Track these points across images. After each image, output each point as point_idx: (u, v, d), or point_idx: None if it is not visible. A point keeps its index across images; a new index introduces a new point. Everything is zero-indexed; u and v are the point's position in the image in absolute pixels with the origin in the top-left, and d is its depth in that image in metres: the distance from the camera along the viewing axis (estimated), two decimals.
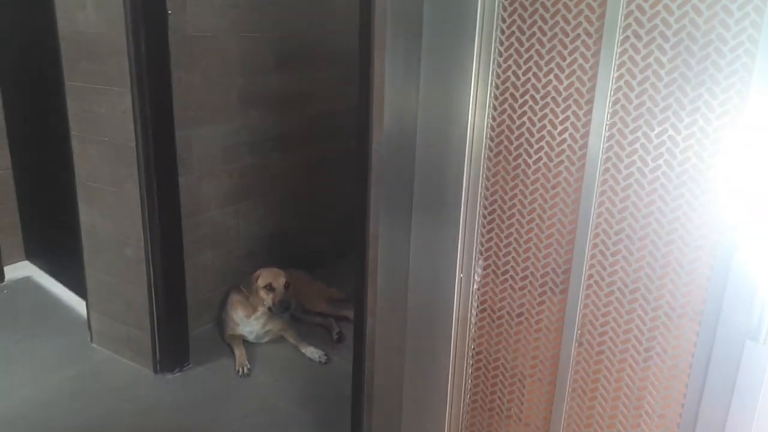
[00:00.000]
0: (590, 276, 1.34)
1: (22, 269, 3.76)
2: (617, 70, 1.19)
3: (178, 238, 2.76)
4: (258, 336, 3.10)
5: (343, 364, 3.00)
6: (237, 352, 2.97)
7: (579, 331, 1.38)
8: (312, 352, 3.05)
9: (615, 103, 1.21)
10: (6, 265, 3.68)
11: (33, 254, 3.79)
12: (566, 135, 1.28)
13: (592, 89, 1.23)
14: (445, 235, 1.50)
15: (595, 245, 1.30)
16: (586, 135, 1.25)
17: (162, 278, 2.71)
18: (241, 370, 2.89)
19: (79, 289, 3.24)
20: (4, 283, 3.64)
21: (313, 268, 3.76)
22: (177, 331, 2.86)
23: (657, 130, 1.17)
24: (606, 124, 1.22)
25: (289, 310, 3.01)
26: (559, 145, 1.30)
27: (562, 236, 1.35)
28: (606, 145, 1.23)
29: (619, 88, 1.20)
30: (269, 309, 3.01)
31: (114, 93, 2.50)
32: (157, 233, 2.63)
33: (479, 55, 1.35)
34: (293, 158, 3.60)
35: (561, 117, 1.28)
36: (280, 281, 2.99)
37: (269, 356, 3.06)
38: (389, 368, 1.78)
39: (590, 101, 1.24)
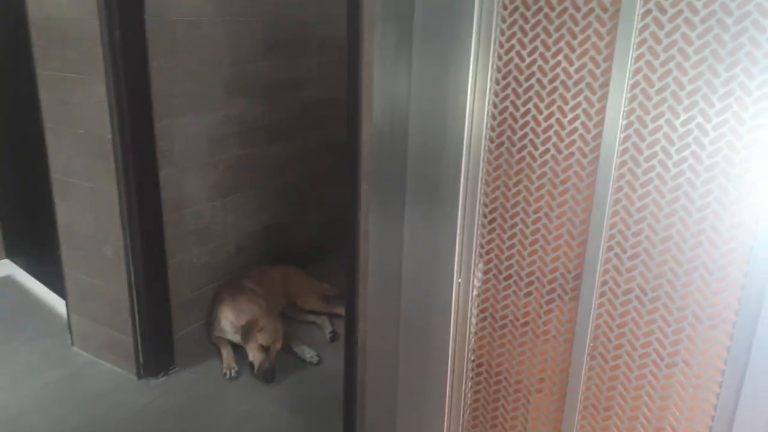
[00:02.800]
0: (604, 281, 1.19)
1: (1, 268, 3.61)
2: (637, 49, 1.04)
3: (160, 235, 2.61)
4: None
5: (336, 365, 2.85)
6: (224, 353, 2.83)
7: (592, 343, 1.24)
8: (304, 351, 2.91)
9: (634, 87, 1.06)
10: None
11: (13, 252, 3.64)
12: (577, 124, 1.13)
13: (607, 71, 1.08)
14: (441, 235, 1.35)
15: (611, 248, 1.16)
16: (600, 124, 1.10)
17: (143, 278, 2.56)
18: (228, 373, 2.75)
19: (60, 289, 3.10)
20: None
21: (306, 263, 3.62)
22: (161, 333, 2.71)
23: (683, 117, 1.02)
24: (623, 112, 1.07)
25: (272, 381, 2.70)
26: (569, 135, 1.15)
27: (573, 237, 1.21)
28: (623, 135, 1.08)
29: (638, 70, 1.05)
30: (250, 365, 2.76)
31: (88, 82, 2.34)
32: (137, 230, 2.47)
33: (478, 35, 1.20)
34: (284, 149, 3.45)
35: (571, 104, 1.13)
36: (277, 347, 2.76)
37: None
38: (382, 378, 1.64)
39: (605, 85, 1.09)
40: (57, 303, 3.23)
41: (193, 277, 3.07)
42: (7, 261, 3.64)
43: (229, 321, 2.87)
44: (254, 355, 2.74)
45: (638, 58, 1.04)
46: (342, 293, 3.41)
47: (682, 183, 1.05)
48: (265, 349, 2.73)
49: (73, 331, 2.90)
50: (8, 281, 3.53)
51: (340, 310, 3.23)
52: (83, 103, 2.40)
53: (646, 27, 1.02)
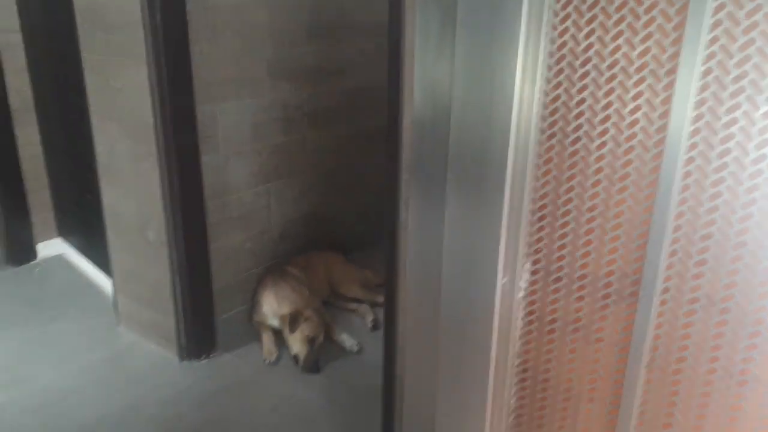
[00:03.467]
0: (667, 287, 1.09)
1: (54, 247, 3.70)
2: (711, 32, 0.92)
3: (202, 220, 2.60)
4: None
5: (377, 354, 2.79)
6: (264, 339, 2.82)
7: (653, 346, 1.14)
8: (345, 339, 2.87)
9: (706, 74, 0.94)
10: (39, 242, 3.63)
11: (65, 232, 3.72)
12: (639, 115, 1.03)
13: (674, 57, 0.97)
14: (484, 232, 1.26)
15: (675, 251, 1.05)
16: (665, 115, 0.99)
17: (185, 262, 2.56)
18: (268, 358, 2.74)
19: (108, 270, 3.15)
20: (37, 261, 3.59)
21: (349, 251, 3.57)
22: (203, 316, 2.72)
23: (764, 109, 0.90)
24: (693, 102, 0.96)
25: (317, 372, 2.69)
26: (629, 127, 1.04)
27: (631, 237, 1.10)
28: (692, 129, 0.97)
29: (712, 55, 0.93)
30: (294, 357, 2.73)
31: (130, 66, 2.33)
32: (179, 215, 2.47)
33: (529, 16, 1.09)
34: (328, 135, 3.39)
35: (632, 93, 1.02)
36: (320, 338, 2.73)
37: None
38: (421, 374, 1.57)
39: (672, 72, 0.97)
40: (106, 283, 3.28)
41: (235, 262, 3.06)
42: (59, 240, 3.72)
43: (270, 307, 2.85)
44: (299, 347, 2.70)
45: (712, 41, 0.92)
46: (384, 282, 3.35)
47: (759, 183, 0.93)
48: (310, 340, 2.70)
49: (119, 311, 2.94)
50: (60, 260, 3.62)
51: (382, 299, 3.18)
52: (126, 87, 2.40)
53: (722, 6, 0.90)
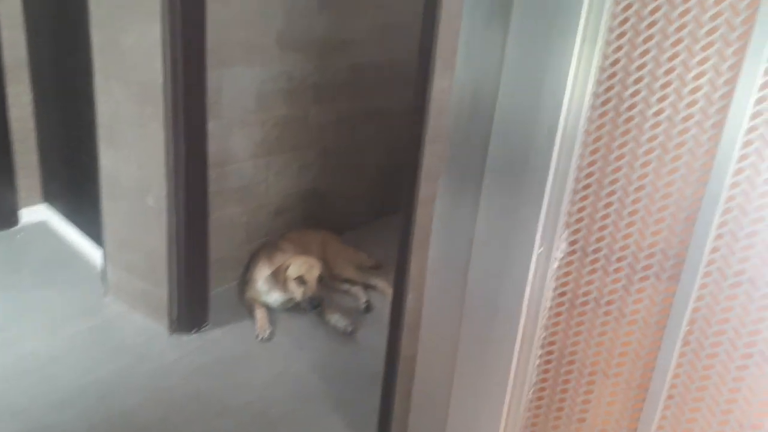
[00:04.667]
0: (711, 263, 1.07)
1: (38, 213, 3.57)
2: None
3: (204, 188, 2.53)
4: (282, 305, 2.88)
5: (370, 336, 2.78)
6: (258, 315, 2.77)
7: (688, 328, 1.12)
8: (337, 320, 2.83)
9: None
10: (22, 207, 3.50)
11: (51, 197, 3.60)
12: (703, 81, 1.01)
13: (748, 20, 0.94)
14: (525, 200, 1.23)
15: (723, 226, 1.03)
16: (732, 81, 0.97)
17: (184, 231, 2.49)
18: (261, 333, 2.69)
19: (96, 238, 3.05)
20: (19, 226, 3.46)
21: (344, 230, 3.53)
22: (197, 289, 2.65)
23: None
24: (764, 69, 0.94)
25: (319, 308, 2.74)
26: (691, 93, 1.02)
27: (680, 213, 1.09)
28: (758, 96, 0.95)
29: None
30: (299, 306, 2.78)
31: (143, 23, 2.25)
32: (181, 181, 2.40)
33: None
34: (329, 111, 3.34)
35: (699, 57, 1.00)
36: (313, 274, 2.73)
37: (291, 321, 2.85)
38: (437, 352, 1.54)
39: (743, 37, 0.95)
40: (92, 251, 3.19)
41: (230, 235, 3.00)
42: (44, 206, 3.61)
43: (264, 281, 2.80)
44: (294, 291, 2.73)
45: None
46: (378, 265, 3.32)
47: None
48: (303, 282, 2.71)
49: (107, 280, 2.85)
50: (43, 227, 3.50)
51: (377, 282, 3.15)
52: (136, 46, 2.32)
53: None
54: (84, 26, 2.49)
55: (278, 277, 2.73)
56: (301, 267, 2.72)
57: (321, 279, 2.76)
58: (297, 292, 2.73)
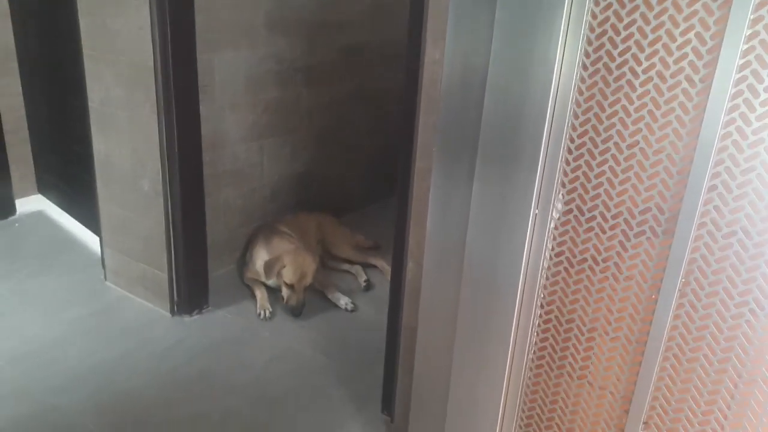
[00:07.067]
0: (703, 222, 1.09)
1: (34, 203, 3.58)
2: None
3: (199, 170, 2.53)
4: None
5: (371, 313, 2.81)
6: (258, 294, 2.79)
7: (684, 280, 1.14)
8: (338, 298, 2.85)
9: (759, 7, 0.94)
10: (18, 198, 3.50)
11: (46, 187, 3.60)
12: (688, 49, 1.02)
13: None
14: (520, 163, 1.25)
15: (714, 186, 1.06)
16: (715, 49, 0.99)
17: (180, 213, 2.50)
18: (263, 313, 2.71)
19: (93, 225, 3.06)
20: (16, 216, 3.47)
21: (341, 213, 3.54)
22: (196, 270, 2.66)
23: None
24: (744, 36, 0.96)
25: (300, 317, 2.71)
26: (677, 62, 1.04)
27: (671, 172, 1.11)
28: (741, 62, 0.97)
29: None
30: (281, 298, 2.77)
31: (131, 6, 2.24)
32: (176, 164, 2.40)
33: None
34: (321, 94, 3.34)
35: (683, 26, 1.02)
36: (303, 284, 2.70)
37: None
38: (438, 319, 1.56)
39: (725, 5, 0.97)
40: (89, 239, 3.20)
41: (227, 219, 3.01)
42: (39, 196, 3.60)
43: (263, 262, 2.81)
44: (283, 291, 2.74)
45: None
46: (377, 245, 3.33)
47: None
48: (290, 286, 2.70)
49: (106, 266, 2.87)
50: (41, 216, 3.50)
51: (375, 261, 3.17)
52: (125, 29, 2.31)
53: None
54: (72, 11, 2.47)
55: (273, 269, 2.72)
56: (295, 274, 2.69)
57: (311, 287, 2.77)
58: (284, 293, 2.73)
